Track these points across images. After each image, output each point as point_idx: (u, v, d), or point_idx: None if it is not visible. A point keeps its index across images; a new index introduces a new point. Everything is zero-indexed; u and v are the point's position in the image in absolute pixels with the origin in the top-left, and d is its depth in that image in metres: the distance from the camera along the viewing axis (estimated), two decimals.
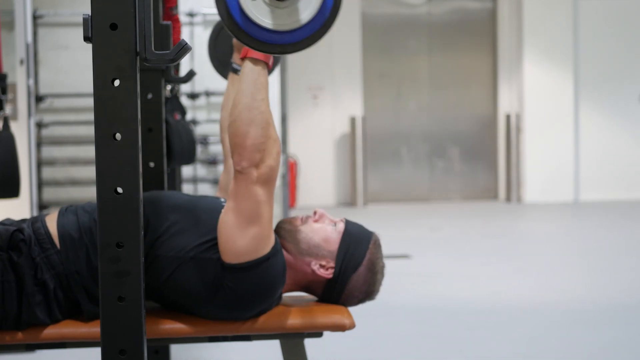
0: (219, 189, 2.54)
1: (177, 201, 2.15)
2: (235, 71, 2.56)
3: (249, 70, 1.95)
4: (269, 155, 1.94)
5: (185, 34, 7.55)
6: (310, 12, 1.70)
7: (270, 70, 2.03)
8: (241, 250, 1.97)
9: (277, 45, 1.72)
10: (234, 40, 2.51)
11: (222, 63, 2.82)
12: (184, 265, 2.00)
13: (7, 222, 2.07)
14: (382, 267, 2.23)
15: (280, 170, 7.98)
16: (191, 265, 2.00)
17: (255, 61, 1.95)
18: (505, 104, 10.38)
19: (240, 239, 1.96)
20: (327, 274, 2.14)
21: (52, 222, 2.05)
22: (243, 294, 1.99)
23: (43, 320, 1.98)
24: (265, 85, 1.96)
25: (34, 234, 2.01)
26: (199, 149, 7.74)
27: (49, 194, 7.64)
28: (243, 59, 1.97)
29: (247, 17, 1.70)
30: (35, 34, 7.49)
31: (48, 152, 7.70)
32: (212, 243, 2.01)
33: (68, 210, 2.10)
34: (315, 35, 1.72)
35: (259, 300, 2.03)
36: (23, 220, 2.09)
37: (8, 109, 3.37)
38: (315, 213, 2.21)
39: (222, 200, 2.18)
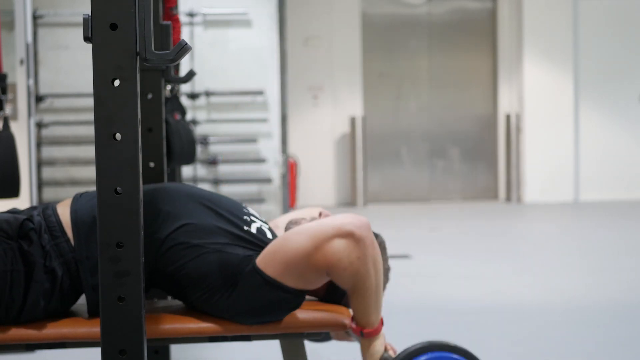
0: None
1: (201, 193, 2.15)
2: None
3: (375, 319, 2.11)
4: (349, 267, 1.98)
5: (185, 34, 7.55)
6: None
7: (367, 337, 2.11)
8: (286, 253, 1.98)
9: None
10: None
11: None
12: (204, 255, 1.99)
13: (17, 211, 2.05)
14: (388, 270, 2.21)
15: (280, 169, 7.98)
16: (213, 257, 1.99)
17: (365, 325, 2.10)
18: (505, 104, 10.39)
19: (289, 243, 1.99)
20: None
21: (64, 209, 2.02)
22: (249, 303, 1.98)
23: (45, 311, 1.97)
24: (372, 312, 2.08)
25: (45, 221, 1.99)
26: (199, 149, 7.74)
27: (49, 194, 7.63)
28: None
29: None
30: (35, 34, 7.49)
31: (48, 152, 7.70)
32: (239, 242, 2.01)
33: (83, 196, 2.07)
34: None
35: (261, 316, 2.01)
36: (34, 208, 2.06)
37: (8, 109, 3.37)
38: (320, 214, 2.19)
39: (244, 207, 2.18)
